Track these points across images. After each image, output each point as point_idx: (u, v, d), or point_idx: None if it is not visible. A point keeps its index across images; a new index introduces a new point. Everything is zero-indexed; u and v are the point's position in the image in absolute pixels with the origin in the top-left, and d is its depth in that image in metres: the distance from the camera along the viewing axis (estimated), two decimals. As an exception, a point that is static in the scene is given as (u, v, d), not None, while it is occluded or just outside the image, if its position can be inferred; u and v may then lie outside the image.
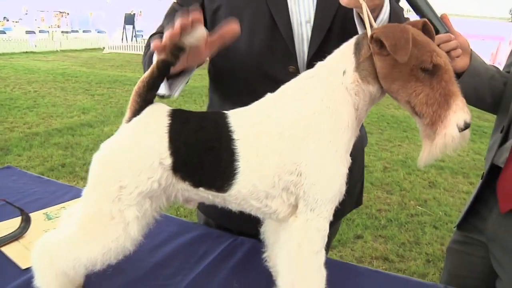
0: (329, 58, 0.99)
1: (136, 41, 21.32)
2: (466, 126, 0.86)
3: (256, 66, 1.26)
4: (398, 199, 4.61)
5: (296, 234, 0.96)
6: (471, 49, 1.35)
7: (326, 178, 0.93)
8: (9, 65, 13.03)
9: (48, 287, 1.03)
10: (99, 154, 0.99)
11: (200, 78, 1.74)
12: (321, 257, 0.98)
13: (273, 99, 0.98)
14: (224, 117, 0.97)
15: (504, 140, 1.36)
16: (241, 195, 0.96)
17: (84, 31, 22.89)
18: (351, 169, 1.45)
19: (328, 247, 1.75)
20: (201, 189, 0.98)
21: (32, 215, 1.44)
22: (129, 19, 21.66)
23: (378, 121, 7.99)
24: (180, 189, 0.99)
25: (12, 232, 1.33)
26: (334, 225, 1.61)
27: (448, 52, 1.27)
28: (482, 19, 17.57)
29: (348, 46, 0.98)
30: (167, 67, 0.96)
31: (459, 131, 0.85)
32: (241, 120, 0.96)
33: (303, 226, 0.95)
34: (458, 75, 1.34)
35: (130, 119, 0.99)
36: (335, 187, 0.94)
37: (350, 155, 1.39)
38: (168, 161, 0.94)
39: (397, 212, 4.30)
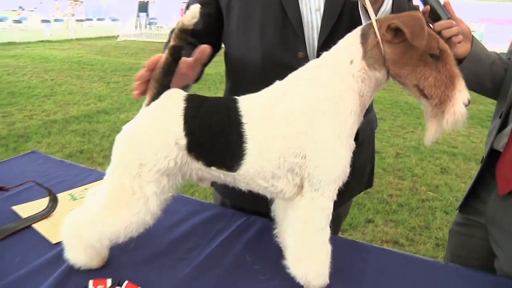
0: (335, 48, 1.06)
1: (150, 28, 21.41)
2: (469, 102, 0.96)
3: (268, 54, 1.33)
4: (409, 185, 4.65)
5: (302, 212, 1.04)
6: (472, 36, 1.39)
7: (329, 161, 1.00)
8: (26, 54, 13.27)
9: (77, 259, 1.13)
10: (121, 134, 1.08)
11: (214, 65, 1.80)
12: (326, 233, 1.06)
13: (281, 87, 1.06)
14: (234, 102, 1.05)
15: (503, 126, 1.40)
16: (249, 174, 1.04)
17: (98, 19, 23.06)
18: (360, 152, 1.53)
19: (338, 227, 1.83)
20: (213, 168, 1.07)
21: (58, 196, 1.55)
22: (143, 7, 21.73)
23: (391, 107, 7.97)
24: (194, 168, 1.08)
25: (41, 211, 1.44)
26: (344, 205, 1.69)
27: (449, 38, 1.31)
28: (501, 2, 17.19)
29: (354, 36, 1.04)
30: (178, 52, 1.05)
31: (465, 107, 0.95)
32: (250, 105, 1.04)
33: (308, 204, 1.03)
34: (459, 60, 1.39)
35: (149, 103, 1.08)
36: (338, 169, 1.01)
37: (359, 139, 1.47)
38: (183, 141, 1.03)
39: (408, 197, 4.34)
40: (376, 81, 1.03)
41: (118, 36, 20.16)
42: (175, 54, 1.04)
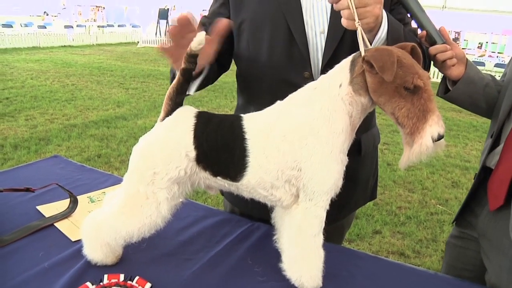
0: (331, 72, 1.17)
1: (169, 35, 21.71)
2: (439, 137, 1.02)
3: (276, 72, 1.45)
4: (419, 198, 4.70)
5: (297, 219, 1.15)
6: (467, 59, 1.48)
7: (322, 174, 1.11)
8: (49, 58, 13.68)
9: (94, 255, 1.26)
10: (138, 146, 1.21)
11: (231, 73, 1.88)
12: (319, 239, 1.17)
13: (281, 106, 1.18)
14: (239, 120, 1.17)
15: (494, 145, 1.49)
16: (250, 184, 1.16)
17: (119, 26, 23.58)
18: (363, 165, 1.64)
19: (342, 237, 1.92)
20: (218, 178, 1.19)
21: (78, 198, 1.68)
22: (163, 14, 22.13)
23: (405, 119, 7.99)
24: (202, 177, 1.20)
25: (63, 211, 1.57)
26: (347, 216, 1.79)
27: (444, 61, 1.41)
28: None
29: (346, 62, 1.15)
30: (189, 73, 1.17)
31: (433, 142, 1.02)
32: (253, 123, 1.16)
33: (303, 212, 1.15)
34: (454, 82, 1.49)
35: (163, 119, 1.21)
36: (330, 181, 1.12)
37: (361, 152, 1.57)
38: (192, 153, 1.15)
39: (417, 210, 4.39)
40: (362, 105, 1.12)
41: (138, 42, 20.58)
42: (186, 75, 1.16)
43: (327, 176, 1.11)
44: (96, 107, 7.84)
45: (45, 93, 8.58)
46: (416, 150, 1.03)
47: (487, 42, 17.49)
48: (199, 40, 1.10)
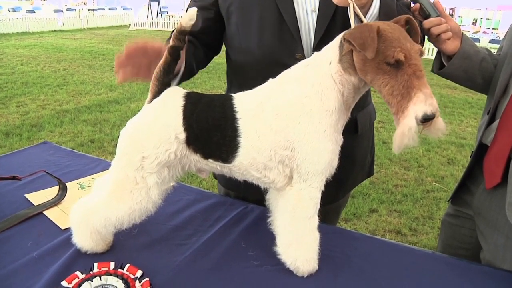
0: (323, 49, 1.12)
1: (162, 17, 21.47)
2: (425, 118, 0.92)
3: (267, 56, 1.40)
4: (415, 175, 4.69)
5: (291, 201, 1.12)
6: (462, 33, 1.43)
7: (316, 154, 1.07)
8: (39, 44, 13.46)
9: (83, 243, 1.23)
10: (125, 129, 1.17)
11: (224, 54, 1.83)
12: (314, 221, 1.14)
13: (273, 84, 1.13)
14: (230, 99, 1.13)
15: (491, 121, 1.45)
16: (243, 166, 1.12)
17: (110, 8, 23.20)
18: (360, 143, 1.61)
19: (338, 216, 1.90)
20: (210, 160, 1.15)
21: (67, 184, 1.64)
22: (154, -4, 21.80)
23: (400, 97, 7.94)
24: (193, 160, 1.16)
25: (52, 199, 1.53)
26: (345, 196, 1.77)
27: (438, 35, 1.36)
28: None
29: (336, 40, 1.10)
30: (177, 52, 1.12)
31: (417, 122, 0.92)
32: (244, 101, 1.12)
33: (297, 194, 1.11)
34: (449, 57, 1.44)
35: (151, 100, 1.16)
36: (324, 161, 1.08)
37: (358, 131, 1.54)
38: (182, 135, 1.11)
39: (413, 187, 4.39)
40: (354, 85, 1.08)
41: (129, 25, 20.28)
42: (174, 54, 1.11)
43: (321, 156, 1.07)
44: (88, 91, 7.74)
45: (36, 79, 8.46)
46: (399, 132, 0.94)
47: (481, 18, 17.34)
48: (189, 15, 1.05)
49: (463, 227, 1.62)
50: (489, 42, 12.72)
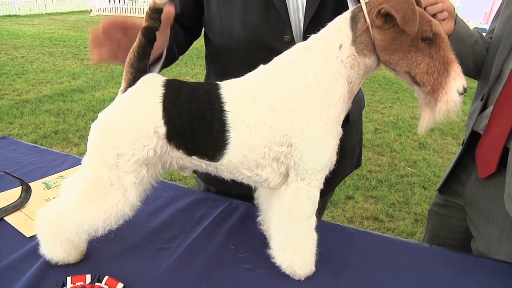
0: (324, 31, 1.00)
1: (124, 3, 20.75)
2: (464, 90, 0.90)
3: (252, 38, 1.26)
4: (388, 160, 4.70)
5: (287, 202, 1.01)
6: (456, 14, 1.35)
7: (316, 150, 0.96)
8: (-7, 29, 12.71)
9: (53, 254, 1.08)
10: (97, 123, 1.02)
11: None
12: (312, 222, 1.04)
13: (266, 71, 1.00)
14: (216, 88, 0.99)
15: (484, 108, 1.39)
16: (232, 164, 1.00)
17: (69, -7, 22.18)
18: (350, 133, 1.51)
19: (323, 210, 1.82)
20: (194, 157, 1.02)
21: (31, 184, 1.48)
22: (116, -21, 21.00)
23: (369, 82, 7.99)
24: (175, 157, 1.03)
25: (13, 202, 1.37)
26: (333, 189, 1.68)
27: (434, 15, 1.27)
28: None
29: (343, 20, 0.98)
30: (152, 33, 0.98)
31: (459, 95, 0.90)
32: (233, 91, 0.99)
33: (294, 194, 1.00)
34: None
35: (125, 89, 1.02)
36: (325, 158, 0.98)
37: (349, 120, 1.44)
38: (162, 129, 0.98)
39: (387, 173, 4.39)
40: (366, 67, 0.98)
41: (91, 10, 19.48)
42: (149, 35, 0.97)
43: (322, 152, 0.97)
44: (49, 80, 7.35)
45: (-9, 67, 7.97)
46: (443, 108, 0.91)
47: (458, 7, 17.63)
48: None
49: (451, 217, 1.57)
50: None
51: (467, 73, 1.50)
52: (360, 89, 1.58)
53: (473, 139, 1.43)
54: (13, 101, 6.04)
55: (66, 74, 7.79)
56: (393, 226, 3.43)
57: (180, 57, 1.43)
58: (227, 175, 1.06)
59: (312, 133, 0.94)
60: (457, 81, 0.90)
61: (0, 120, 5.31)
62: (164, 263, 1.14)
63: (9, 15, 16.51)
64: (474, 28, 1.43)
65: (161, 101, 0.98)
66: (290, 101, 0.95)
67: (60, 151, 1.92)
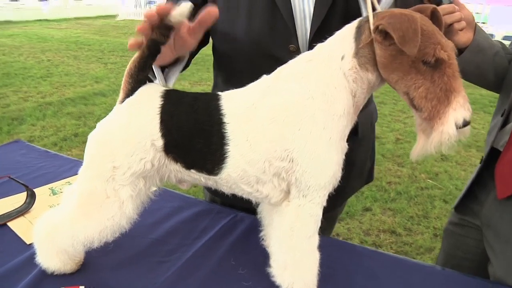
0: (330, 40, 0.95)
1: (149, 7, 21.08)
2: (465, 124, 0.82)
3: (257, 47, 1.22)
4: (409, 172, 4.58)
5: (288, 219, 0.96)
6: (476, 23, 1.27)
7: (319, 166, 0.91)
8: (22, 33, 13.08)
9: (48, 263, 1.06)
10: (94, 133, 1.00)
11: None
12: (314, 241, 0.99)
13: (268, 82, 0.96)
14: (216, 99, 0.96)
15: (504, 123, 1.31)
16: (231, 179, 0.96)
17: (97, -2, 22.70)
18: (360, 147, 1.45)
19: (333, 225, 1.76)
20: (192, 171, 0.98)
21: (37, 190, 1.48)
22: (142, -15, 21.38)
23: (392, 91, 7.83)
24: (173, 170, 1.00)
25: (18, 208, 1.36)
26: (342, 204, 1.62)
27: (451, 25, 1.20)
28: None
29: (349, 29, 0.92)
30: (157, 47, 0.95)
31: (457, 129, 0.82)
32: (233, 103, 0.95)
33: (295, 211, 0.95)
34: (460, 50, 1.28)
35: (123, 100, 0.99)
36: (328, 174, 0.92)
37: (358, 134, 1.39)
38: (159, 142, 0.95)
39: (407, 185, 4.28)
40: (369, 83, 0.92)
41: (117, 15, 19.87)
42: (153, 48, 0.94)
43: (325, 168, 0.91)
44: (73, 83, 7.49)
45: (19, 70, 8.17)
46: (435, 139, 0.83)
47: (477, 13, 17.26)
48: (181, 11, 0.89)
49: (468, 237, 1.49)
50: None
51: (487, 86, 1.42)
52: (372, 101, 1.52)
53: (493, 156, 1.35)
54: (36, 103, 6.17)
55: (90, 77, 7.94)
56: (411, 241, 3.32)
57: (203, 62, 1.41)
58: (227, 190, 1.02)
59: (314, 148, 0.89)
60: (457, 112, 0.82)
61: (23, 122, 5.42)
62: (162, 276, 1.10)
63: (39, 20, 16.98)
64: (504, 37, 1.34)
65: (158, 112, 0.95)
66: (292, 113, 0.90)
67: (79, 153, 1.92)
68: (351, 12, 1.11)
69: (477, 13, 17.16)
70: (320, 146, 0.90)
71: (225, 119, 0.93)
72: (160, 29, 0.92)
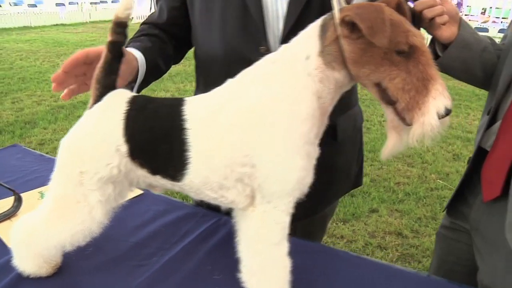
0: (294, 40, 0.93)
1: (164, 10, 21.21)
2: (447, 112, 0.79)
3: (230, 49, 1.22)
4: (418, 172, 4.51)
5: (253, 225, 0.95)
6: (460, 17, 1.22)
7: (282, 171, 0.89)
8: (40, 38, 13.33)
9: (24, 266, 1.08)
10: (65, 139, 1.01)
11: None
12: (282, 248, 0.97)
13: (232, 86, 0.95)
14: (180, 105, 0.95)
15: (491, 122, 1.27)
16: (194, 185, 0.95)
17: (112, 1, 22.95)
18: (342, 151, 1.43)
19: (325, 227, 1.73)
20: (158, 176, 0.98)
21: (26, 194, 1.50)
22: (157, -12, 21.56)
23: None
24: (141, 175, 1.00)
25: (4, 211, 1.39)
26: (330, 206, 1.60)
27: (432, 19, 1.16)
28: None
29: (313, 28, 0.90)
30: (118, 48, 0.96)
31: (439, 119, 0.79)
32: (196, 108, 0.94)
33: (260, 217, 0.93)
34: (445, 45, 1.24)
35: (92, 106, 1.00)
36: (291, 180, 0.90)
37: (338, 138, 1.36)
38: (124, 148, 0.95)
39: (416, 185, 4.21)
40: (336, 82, 0.89)
41: (132, 18, 20.09)
42: (114, 50, 0.95)
43: (288, 174, 0.89)
44: (86, 87, 7.59)
45: (34, 74, 8.33)
46: (417, 132, 0.80)
47: (491, 8, 16.88)
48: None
49: (459, 241, 1.44)
50: (498, 32, 12.32)
51: (475, 82, 1.36)
52: (357, 104, 1.49)
53: (483, 156, 1.30)
54: (49, 107, 6.28)
55: (102, 80, 8.04)
56: (417, 243, 3.27)
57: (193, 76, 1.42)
58: (193, 196, 1.01)
59: (276, 153, 0.88)
60: (437, 101, 0.79)
61: (36, 125, 5.52)
62: (136, 280, 1.11)
63: (56, 24, 17.29)
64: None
65: (123, 118, 0.95)
66: (252, 117, 0.88)
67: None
68: (327, 11, 1.09)
69: (497, 8, 16.80)
70: (282, 151, 0.88)
71: (187, 125, 0.92)
72: (115, 30, 0.93)
